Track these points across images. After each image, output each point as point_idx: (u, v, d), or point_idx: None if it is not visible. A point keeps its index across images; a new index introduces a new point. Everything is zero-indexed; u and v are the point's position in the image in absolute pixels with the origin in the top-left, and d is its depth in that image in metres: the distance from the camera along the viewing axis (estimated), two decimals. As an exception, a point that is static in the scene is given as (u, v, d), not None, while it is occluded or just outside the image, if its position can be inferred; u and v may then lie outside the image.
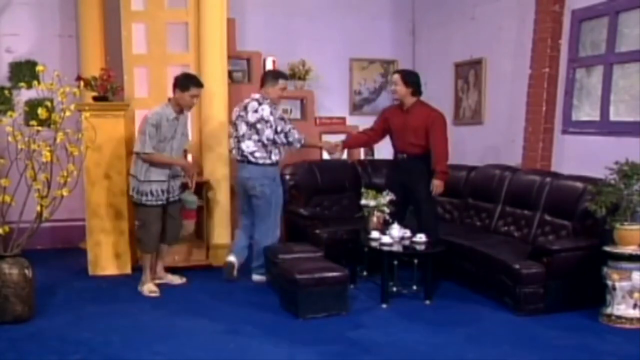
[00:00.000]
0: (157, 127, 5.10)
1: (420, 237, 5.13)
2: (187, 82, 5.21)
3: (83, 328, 4.37)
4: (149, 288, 5.23)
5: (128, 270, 5.89)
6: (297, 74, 7.30)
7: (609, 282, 4.45)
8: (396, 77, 5.51)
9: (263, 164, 5.38)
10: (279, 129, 5.36)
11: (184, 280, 5.56)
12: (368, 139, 5.93)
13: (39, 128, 4.54)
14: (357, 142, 6.22)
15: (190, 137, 5.76)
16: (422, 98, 7.71)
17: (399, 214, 5.45)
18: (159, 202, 5.22)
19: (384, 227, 5.39)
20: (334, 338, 4.23)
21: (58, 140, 4.56)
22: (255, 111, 5.38)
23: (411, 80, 5.45)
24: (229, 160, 6.32)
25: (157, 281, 5.40)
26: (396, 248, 5.07)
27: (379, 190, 5.75)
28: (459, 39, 7.18)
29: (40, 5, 6.87)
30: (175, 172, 5.33)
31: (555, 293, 4.68)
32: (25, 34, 6.81)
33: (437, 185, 5.36)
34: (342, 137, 6.45)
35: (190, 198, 5.46)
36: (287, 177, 6.45)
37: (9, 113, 4.54)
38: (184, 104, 5.23)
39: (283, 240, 5.94)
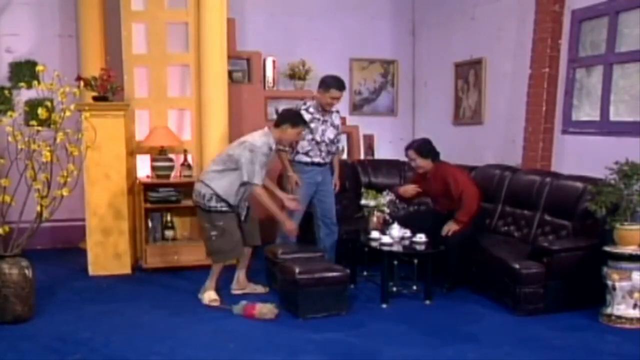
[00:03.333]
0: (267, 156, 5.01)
1: (420, 237, 5.13)
2: (299, 120, 5.12)
3: (83, 328, 4.37)
4: (209, 296, 4.97)
5: (128, 270, 5.90)
6: (297, 74, 7.30)
7: (609, 282, 4.45)
8: (411, 153, 5.44)
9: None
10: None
11: (266, 289, 5.25)
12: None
13: (39, 128, 4.54)
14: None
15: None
16: (423, 98, 7.74)
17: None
18: (233, 210, 5.05)
19: (384, 227, 5.39)
20: (334, 338, 4.23)
21: (58, 140, 4.55)
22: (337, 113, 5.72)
23: (426, 150, 5.42)
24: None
25: (239, 291, 5.16)
26: (396, 248, 5.07)
27: (379, 190, 5.75)
28: (459, 39, 7.18)
29: (40, 5, 6.87)
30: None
31: (555, 293, 4.68)
32: (25, 34, 6.81)
33: (451, 227, 5.23)
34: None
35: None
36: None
37: (9, 113, 4.54)
38: (288, 139, 5.13)
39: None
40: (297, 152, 5.52)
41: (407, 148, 5.55)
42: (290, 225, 5.18)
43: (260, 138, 5.01)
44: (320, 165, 5.60)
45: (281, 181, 5.70)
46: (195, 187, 5.09)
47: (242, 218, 5.13)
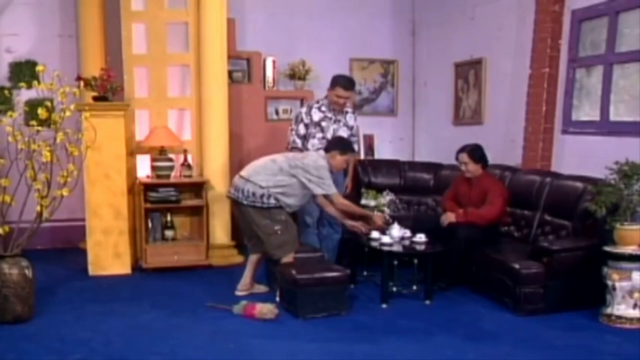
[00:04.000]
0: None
1: (420, 237, 5.13)
2: (347, 147, 5.17)
3: (83, 328, 4.37)
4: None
5: (128, 270, 5.90)
6: (297, 74, 7.30)
7: (609, 282, 4.45)
8: (464, 157, 5.35)
9: None
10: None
11: (267, 289, 5.26)
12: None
13: (39, 128, 4.54)
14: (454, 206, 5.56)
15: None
16: (423, 98, 7.73)
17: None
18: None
19: (384, 227, 5.39)
20: (334, 338, 4.23)
21: (58, 140, 4.56)
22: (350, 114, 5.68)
23: (478, 155, 5.33)
24: (229, 160, 6.34)
25: (245, 292, 5.14)
26: (396, 248, 5.06)
27: (379, 190, 5.75)
28: (459, 39, 7.18)
29: (40, 5, 6.87)
30: None
31: (555, 293, 4.68)
32: (25, 34, 6.81)
33: (449, 216, 5.25)
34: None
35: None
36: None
37: (9, 113, 4.54)
38: (336, 165, 5.13)
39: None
40: (306, 149, 5.52)
41: (460, 151, 5.43)
42: (380, 219, 5.25)
43: (317, 157, 5.04)
44: None
45: None
46: (245, 188, 4.93)
47: None
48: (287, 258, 4.96)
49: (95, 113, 5.42)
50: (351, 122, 5.70)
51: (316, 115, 5.50)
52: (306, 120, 5.51)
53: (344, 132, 5.61)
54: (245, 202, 4.95)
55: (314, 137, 5.48)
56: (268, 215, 4.93)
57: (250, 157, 6.54)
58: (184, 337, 4.21)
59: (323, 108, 5.55)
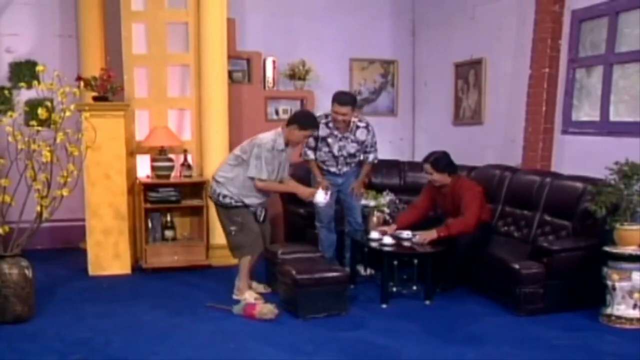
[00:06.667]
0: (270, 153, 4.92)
1: (407, 234, 5.14)
2: (308, 123, 5.00)
3: (83, 328, 4.38)
4: (251, 295, 4.94)
5: (128, 270, 5.90)
6: (297, 74, 7.30)
7: (609, 282, 4.45)
8: (428, 167, 5.29)
9: None
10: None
11: (268, 289, 5.23)
12: (418, 215, 5.48)
13: (39, 128, 4.54)
14: (408, 221, 5.44)
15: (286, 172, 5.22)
16: (423, 98, 7.71)
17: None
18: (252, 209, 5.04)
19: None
20: (334, 338, 4.23)
21: (58, 140, 4.56)
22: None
23: (443, 164, 5.25)
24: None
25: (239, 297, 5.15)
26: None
27: (378, 190, 5.75)
28: (459, 39, 7.18)
29: (40, 5, 6.87)
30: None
31: (555, 293, 4.68)
32: (25, 34, 6.81)
33: (427, 236, 5.09)
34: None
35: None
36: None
37: (9, 113, 4.54)
38: (294, 140, 5.02)
39: (282, 240, 5.94)
40: (315, 159, 5.53)
41: (424, 161, 5.38)
42: (306, 192, 5.14)
43: (267, 136, 4.98)
44: (336, 174, 5.60)
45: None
46: (212, 185, 5.10)
47: (260, 219, 5.10)
48: (245, 261, 4.98)
49: (95, 113, 5.42)
50: (362, 137, 5.51)
51: (323, 131, 5.43)
52: (314, 134, 5.38)
53: (352, 148, 5.51)
54: (213, 199, 5.08)
55: (320, 149, 5.49)
56: (226, 215, 5.00)
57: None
58: (184, 337, 4.22)
59: (330, 125, 5.45)
